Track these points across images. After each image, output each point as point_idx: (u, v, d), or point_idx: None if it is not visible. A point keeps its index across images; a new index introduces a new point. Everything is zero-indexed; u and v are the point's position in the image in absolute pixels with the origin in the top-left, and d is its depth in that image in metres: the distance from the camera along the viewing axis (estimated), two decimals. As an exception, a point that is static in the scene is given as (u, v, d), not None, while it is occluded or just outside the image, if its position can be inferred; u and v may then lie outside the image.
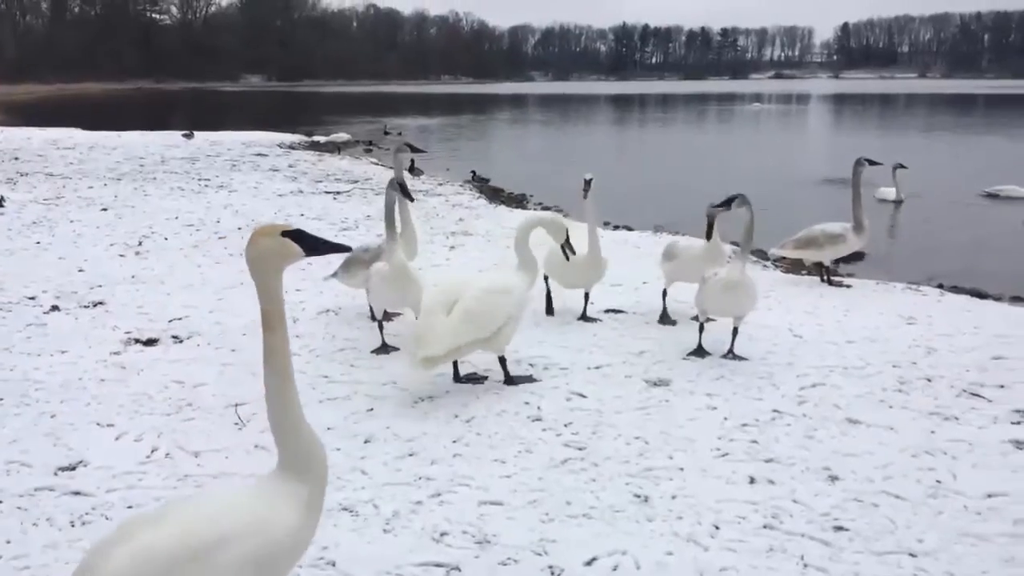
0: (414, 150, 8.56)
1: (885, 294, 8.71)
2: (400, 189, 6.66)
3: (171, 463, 4.73)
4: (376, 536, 3.98)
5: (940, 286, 9.35)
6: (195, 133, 28.27)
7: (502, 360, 5.94)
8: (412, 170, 19.28)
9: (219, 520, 2.67)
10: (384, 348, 6.64)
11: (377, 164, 21.95)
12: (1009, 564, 3.74)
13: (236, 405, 5.53)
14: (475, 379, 6.04)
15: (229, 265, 9.61)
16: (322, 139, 28.94)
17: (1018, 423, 5.27)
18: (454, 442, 5.01)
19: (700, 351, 6.61)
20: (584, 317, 7.59)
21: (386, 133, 35.11)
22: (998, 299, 8.99)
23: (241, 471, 4.62)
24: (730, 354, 6.50)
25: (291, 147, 26.57)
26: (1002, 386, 5.89)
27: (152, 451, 4.87)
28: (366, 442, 5.01)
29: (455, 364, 6.03)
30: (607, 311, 7.78)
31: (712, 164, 25.69)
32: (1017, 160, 25.10)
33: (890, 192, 15.92)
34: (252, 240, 2.81)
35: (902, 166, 15.62)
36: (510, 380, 5.97)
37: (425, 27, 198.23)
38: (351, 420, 5.32)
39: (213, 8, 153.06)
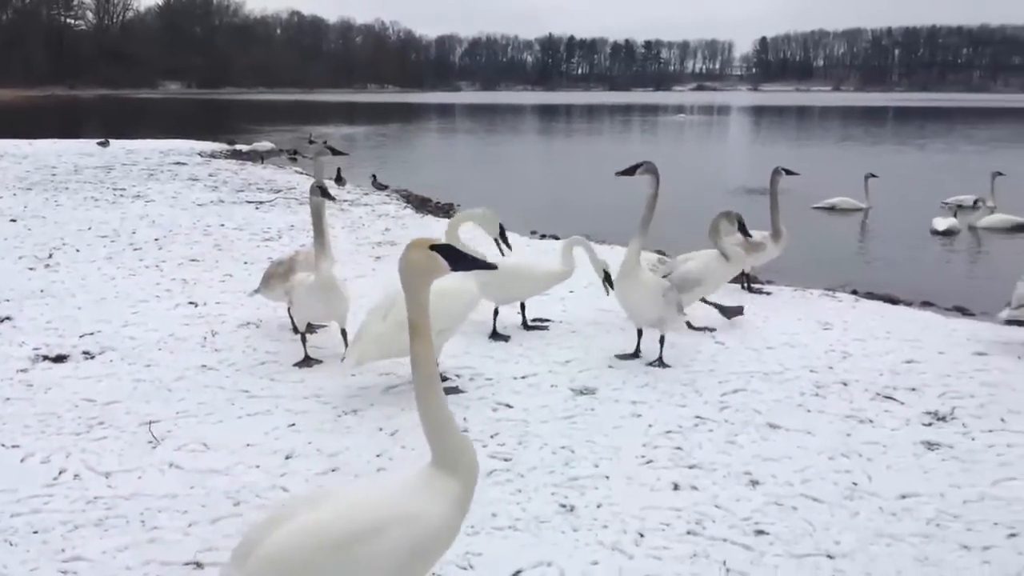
0: (335, 152, 8.43)
1: (803, 301, 8.93)
2: (321, 192, 6.49)
3: (80, 485, 4.53)
4: (296, 555, 3.87)
5: (855, 292, 9.63)
6: (111, 141, 27.41)
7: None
8: (338, 179, 19.04)
9: (378, 508, 2.82)
10: (307, 361, 6.50)
11: (301, 173, 21.60)
12: (923, 564, 3.84)
13: (150, 423, 5.33)
14: (453, 391, 5.97)
15: (145, 277, 9.31)
16: (244, 148, 28.39)
17: (929, 424, 5.44)
18: (378, 456, 4.93)
19: (633, 355, 6.75)
20: (525, 326, 7.59)
21: (311, 142, 34.52)
22: (909, 304, 9.31)
23: (155, 492, 4.46)
24: (657, 362, 6.56)
25: (212, 156, 25.98)
26: (913, 389, 6.08)
27: (60, 473, 4.67)
28: (287, 458, 4.88)
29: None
30: (534, 320, 7.78)
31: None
32: (922, 171, 26.12)
33: (860, 202, 16.90)
34: (405, 253, 2.94)
35: (873, 175, 16.97)
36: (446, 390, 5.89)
37: (351, 35, 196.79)
38: (271, 436, 5.18)
39: (130, 13, 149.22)
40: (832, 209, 17.06)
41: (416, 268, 2.92)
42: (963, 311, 9.19)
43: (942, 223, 14.64)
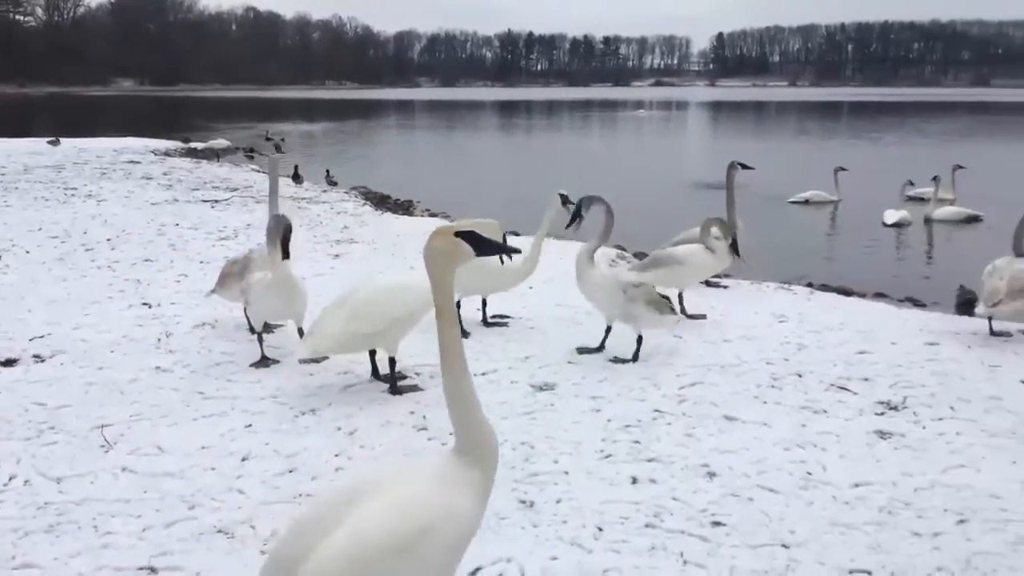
0: (278, 150, 8.33)
1: (759, 294, 9.04)
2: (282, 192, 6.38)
3: (30, 490, 4.44)
4: (253, 559, 3.82)
5: (810, 285, 9.77)
6: (62, 140, 26.87)
7: (391, 361, 5.87)
8: (295, 177, 18.85)
9: (420, 506, 2.75)
10: (264, 361, 6.43)
11: (258, 171, 21.33)
12: (875, 551, 3.91)
13: (102, 426, 5.24)
14: (412, 389, 5.98)
15: (97, 278, 9.14)
16: (199, 145, 28.03)
17: (881, 414, 5.53)
18: (336, 456, 4.89)
19: (596, 350, 6.79)
20: (485, 322, 7.59)
21: (267, 139, 34.23)
22: (862, 296, 9.49)
23: (107, 496, 4.38)
24: (631, 358, 6.57)
25: (166, 154, 25.60)
26: (866, 379, 6.18)
27: (9, 479, 4.57)
28: (243, 460, 4.82)
29: (373, 362, 6.07)
30: (493, 317, 7.77)
31: (600, 169, 26.14)
32: (887, 163, 26.58)
33: (831, 195, 17.32)
34: (429, 240, 2.94)
35: (842, 169, 17.40)
36: (394, 389, 5.89)
37: (308, 31, 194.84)
38: (227, 438, 5.12)
39: (81, 10, 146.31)
40: (806, 202, 17.30)
41: (441, 254, 2.93)
42: (915, 302, 9.38)
43: (892, 215, 14.92)
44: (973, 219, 15.22)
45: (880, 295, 9.63)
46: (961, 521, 4.16)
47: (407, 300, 5.72)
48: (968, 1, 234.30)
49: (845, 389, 5.99)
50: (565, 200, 7.38)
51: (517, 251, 3.17)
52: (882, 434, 5.21)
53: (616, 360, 6.56)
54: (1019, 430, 5.23)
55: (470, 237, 2.92)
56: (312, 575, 2.62)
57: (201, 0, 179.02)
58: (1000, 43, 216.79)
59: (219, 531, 4.06)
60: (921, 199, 16.62)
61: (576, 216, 6.84)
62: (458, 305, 7.45)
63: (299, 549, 2.69)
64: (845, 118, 62.69)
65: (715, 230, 7.95)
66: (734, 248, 7.93)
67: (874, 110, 72.35)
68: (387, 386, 5.93)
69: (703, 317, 7.85)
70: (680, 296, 7.99)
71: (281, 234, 6.11)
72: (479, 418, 2.95)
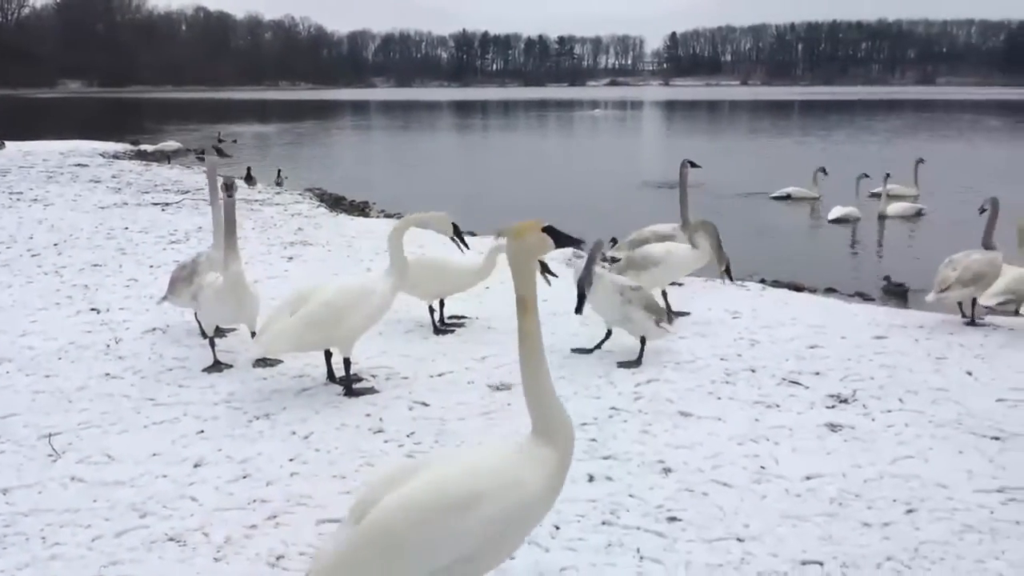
0: (220, 154, 8.20)
1: (713, 290, 9.13)
2: (225, 183, 6.21)
3: (-26, 504, 4.32)
4: (206, 566, 3.77)
5: (763, 281, 9.91)
6: (6, 143, 26.20)
7: (347, 363, 5.84)
8: (248, 179, 18.62)
9: (479, 476, 2.92)
10: (217, 366, 6.34)
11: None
12: (826, 542, 3.97)
13: (50, 435, 5.12)
14: (368, 391, 5.95)
15: (43, 284, 8.94)
16: (149, 148, 27.50)
17: (832, 407, 5.63)
18: (291, 460, 4.84)
19: (593, 350, 6.80)
20: (442, 323, 7.57)
21: (220, 141, 33.76)
22: (813, 291, 9.65)
23: (56, 507, 4.29)
24: (635, 361, 6.55)
25: (115, 156, 25.13)
26: (817, 373, 6.29)
27: (-48, 492, 4.44)
28: (196, 466, 4.75)
29: (328, 365, 6.04)
30: (451, 318, 7.75)
31: (555, 168, 26.25)
32: (824, 162, 27.05)
33: (812, 191, 17.49)
34: (516, 235, 3.06)
35: (824, 171, 17.57)
36: (349, 391, 5.85)
37: (260, 31, 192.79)
38: (179, 444, 5.04)
39: (26, 10, 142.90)
40: (788, 198, 17.48)
41: (529, 248, 3.07)
42: (864, 297, 9.55)
43: (837, 211, 15.21)
44: (920, 213, 15.57)
45: (831, 290, 9.80)
46: (909, 511, 4.25)
47: (364, 304, 5.71)
48: (914, 1, 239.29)
49: (797, 383, 6.08)
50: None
51: (582, 242, 3.37)
52: (833, 427, 5.30)
53: (624, 364, 6.52)
54: (965, 421, 5.36)
55: (551, 231, 3.08)
56: (369, 524, 2.87)
57: (150, 0, 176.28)
58: (944, 42, 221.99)
59: (171, 539, 4.00)
60: (884, 195, 17.02)
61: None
62: (431, 309, 7.46)
63: (371, 497, 2.95)
64: (796, 116, 63.67)
65: (701, 236, 7.76)
66: (728, 274, 7.85)
67: (824, 108, 73.61)
68: (342, 389, 5.89)
69: (687, 314, 7.87)
70: (664, 294, 7.94)
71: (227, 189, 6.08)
72: (554, 402, 3.10)
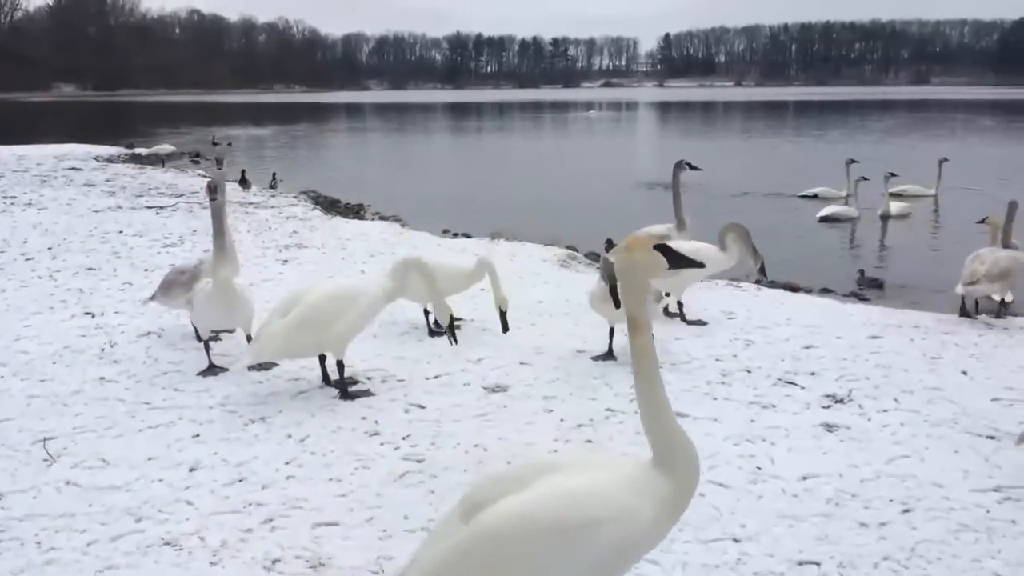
0: (211, 192, 8.19)
1: (708, 291, 9.13)
2: (211, 190, 6.26)
3: (-32, 509, 4.30)
4: (201, 570, 3.76)
5: (758, 282, 9.90)
6: (0, 147, 26.14)
7: (340, 366, 5.84)
8: (242, 182, 18.60)
9: (595, 501, 2.77)
10: (211, 369, 6.33)
11: (204, 176, 21.01)
12: (823, 542, 3.98)
13: (45, 440, 5.11)
14: (363, 394, 5.95)
15: (37, 288, 8.91)
16: (144, 151, 27.44)
17: (828, 407, 5.64)
18: (287, 463, 4.83)
19: (607, 355, 6.69)
20: (437, 325, 7.55)
21: (214, 144, 33.74)
22: (808, 291, 9.67)
23: (51, 512, 4.27)
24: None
25: (109, 160, 25.06)
26: (813, 373, 6.29)
27: (-54, 497, 4.42)
28: (191, 470, 4.74)
29: (323, 368, 6.02)
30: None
31: (550, 170, 26.25)
32: (818, 162, 27.09)
33: (841, 191, 17.20)
34: (627, 251, 2.96)
35: (854, 160, 17.17)
36: (345, 395, 5.85)
37: (254, 34, 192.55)
38: (175, 448, 5.02)
39: (19, 13, 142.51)
40: (815, 197, 17.41)
41: (637, 266, 2.94)
42: (859, 296, 9.58)
43: (826, 210, 15.27)
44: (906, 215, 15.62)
45: (826, 290, 9.82)
46: (906, 510, 4.26)
47: (354, 306, 5.71)
48: (907, 1, 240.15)
49: (792, 383, 6.09)
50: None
51: (702, 266, 3.13)
52: (828, 427, 5.31)
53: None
54: (960, 420, 5.37)
55: (664, 250, 2.95)
56: (478, 530, 2.79)
57: (144, 3, 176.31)
58: (937, 42, 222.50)
59: (167, 543, 3.99)
60: (911, 195, 17.18)
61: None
62: (426, 312, 7.45)
63: (485, 497, 2.87)
64: (791, 117, 63.77)
65: (730, 238, 7.69)
66: (763, 272, 7.83)
67: (818, 109, 73.76)
68: (338, 392, 5.89)
69: (703, 323, 7.76)
70: (679, 304, 7.88)
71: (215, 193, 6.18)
72: (675, 428, 2.90)
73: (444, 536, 2.90)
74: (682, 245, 7.82)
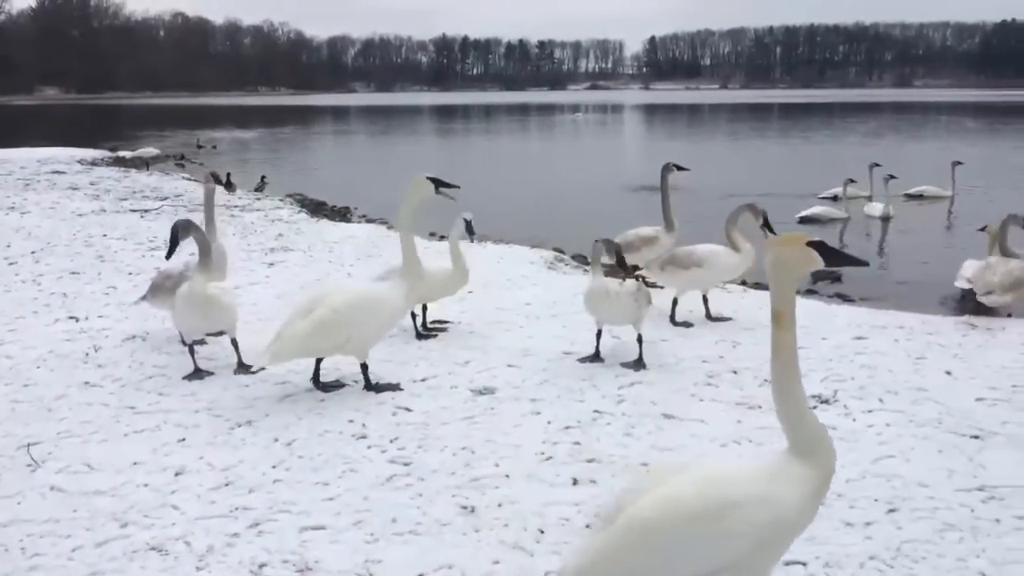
0: (217, 181, 8.23)
1: (694, 293, 9.14)
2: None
3: (-49, 515, 4.27)
4: (188, 575, 3.74)
5: (744, 283, 9.93)
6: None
7: (364, 367, 5.98)
8: (228, 185, 18.51)
9: (737, 486, 2.89)
10: (197, 373, 6.30)
11: (189, 179, 20.92)
12: (809, 542, 3.99)
13: (29, 445, 5.07)
14: (334, 386, 6.08)
15: (21, 292, 8.85)
16: (128, 154, 27.27)
17: (814, 408, 5.63)
18: (274, 467, 4.82)
19: (594, 357, 6.69)
20: (425, 328, 7.55)
21: (199, 147, 33.64)
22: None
23: (35, 517, 4.24)
24: (635, 363, 6.53)
25: (93, 163, 24.89)
26: (799, 374, 6.31)
27: (-71, 504, 4.38)
28: (177, 475, 4.72)
29: (316, 368, 6.05)
30: (433, 322, 7.74)
31: (537, 172, 26.29)
32: (806, 164, 27.24)
33: (864, 191, 16.98)
34: (777, 248, 2.98)
35: (877, 164, 16.89)
36: (370, 386, 5.97)
37: (239, 37, 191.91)
38: (160, 453, 5.00)
39: (2, 16, 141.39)
40: (835, 199, 17.40)
41: (792, 263, 2.96)
42: (843, 298, 9.62)
43: (807, 211, 15.36)
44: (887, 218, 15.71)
45: (811, 292, 9.86)
46: (891, 510, 4.28)
47: (376, 315, 5.83)
48: (890, 4, 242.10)
49: (779, 384, 6.10)
50: (469, 226, 7.39)
51: (866, 263, 3.13)
52: (815, 427, 5.32)
53: (633, 366, 6.49)
54: (945, 420, 5.40)
55: (820, 247, 2.95)
56: (624, 523, 2.90)
57: (128, 5, 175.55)
58: (920, 44, 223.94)
59: (152, 548, 3.97)
60: (921, 196, 17.33)
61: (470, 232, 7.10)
62: (413, 314, 7.44)
63: (628, 498, 2.99)
64: (776, 119, 64.08)
65: (745, 217, 7.78)
66: (767, 227, 7.74)
67: (803, 111, 74.11)
68: (323, 394, 5.91)
69: (728, 319, 7.88)
70: (705, 299, 7.97)
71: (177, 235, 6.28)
72: (812, 419, 3.01)
73: (586, 543, 3.04)
74: (698, 248, 7.85)
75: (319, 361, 6.07)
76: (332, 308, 5.70)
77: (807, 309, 8.45)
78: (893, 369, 6.41)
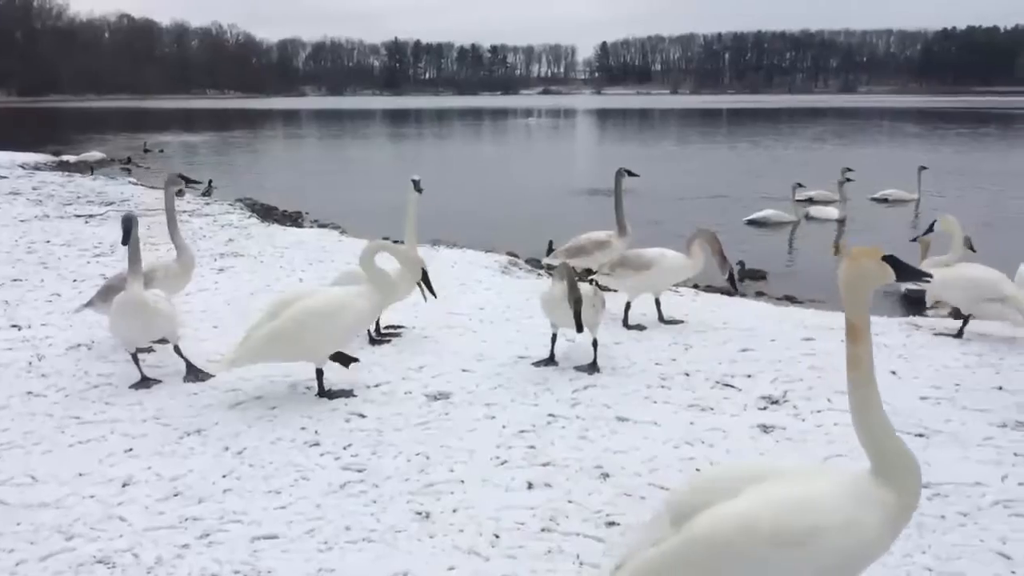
0: (188, 182, 8.11)
1: (647, 296, 9.22)
2: (127, 230, 6.19)
3: None
4: (136, 588, 3.67)
5: (695, 286, 10.07)
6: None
7: (319, 373, 5.94)
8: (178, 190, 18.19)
9: (816, 512, 2.76)
10: (144, 382, 6.16)
11: (136, 184, 20.53)
12: (760, 540, 4.04)
13: (-32, 458, 4.91)
14: (343, 394, 6.04)
15: (-40, 301, 8.58)
16: (72, 158, 26.72)
17: (764, 409, 5.75)
18: (224, 477, 4.73)
19: (548, 360, 6.69)
20: (379, 333, 7.49)
21: (146, 151, 33.06)
22: (743, 295, 9.85)
23: (-26, 532, 4.11)
24: (593, 366, 6.54)
25: (36, 168, 24.30)
26: (749, 375, 6.41)
27: None
28: (124, 486, 4.61)
29: (319, 376, 5.99)
30: (387, 327, 7.69)
31: (490, 176, 26.30)
32: (755, 168, 27.66)
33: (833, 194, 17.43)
34: (853, 260, 2.96)
35: (849, 169, 17.13)
36: (323, 393, 5.93)
37: (186, 39, 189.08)
38: (106, 463, 4.88)
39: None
40: (810, 200, 17.63)
41: (863, 274, 2.95)
42: (792, 300, 9.80)
43: (755, 214, 15.65)
44: (841, 221, 16.07)
45: (760, 294, 10.04)
46: (839, 507, 4.35)
47: (336, 321, 5.79)
48: (835, 12, 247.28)
49: (730, 386, 6.19)
50: (416, 185, 7.57)
51: (930, 277, 3.10)
52: (765, 428, 5.41)
53: (587, 369, 6.51)
54: (891, 419, 5.49)
55: (893, 262, 2.95)
56: (698, 529, 2.81)
57: (72, 6, 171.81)
58: (864, 51, 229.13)
59: (99, 561, 3.87)
60: (887, 199, 17.84)
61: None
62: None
63: (693, 504, 2.90)
64: (725, 124, 65.01)
65: (697, 245, 7.74)
66: (732, 282, 7.89)
67: (751, 116, 75.32)
68: (274, 401, 5.83)
69: (681, 322, 7.95)
70: (657, 302, 8.03)
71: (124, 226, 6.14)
72: (894, 437, 2.90)
73: (651, 541, 2.94)
74: (648, 251, 7.92)
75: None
76: (290, 317, 5.69)
77: (757, 311, 8.60)
78: (840, 369, 6.45)
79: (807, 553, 2.74)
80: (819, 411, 5.68)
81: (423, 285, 6.52)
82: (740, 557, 2.77)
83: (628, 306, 7.95)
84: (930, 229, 7.75)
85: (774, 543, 2.74)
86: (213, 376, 6.24)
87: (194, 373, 6.27)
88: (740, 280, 10.26)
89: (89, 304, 7.20)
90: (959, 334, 7.42)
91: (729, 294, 9.81)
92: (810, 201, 17.14)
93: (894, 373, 6.44)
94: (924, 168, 18.47)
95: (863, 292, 2.97)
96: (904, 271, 2.97)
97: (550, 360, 6.70)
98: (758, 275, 10.83)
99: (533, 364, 6.69)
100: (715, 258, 7.71)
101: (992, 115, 72.18)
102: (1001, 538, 4.04)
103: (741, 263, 10.42)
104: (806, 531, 2.74)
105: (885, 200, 18.28)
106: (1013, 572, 3.77)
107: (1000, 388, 6.12)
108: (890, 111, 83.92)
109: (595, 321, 6.53)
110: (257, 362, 5.90)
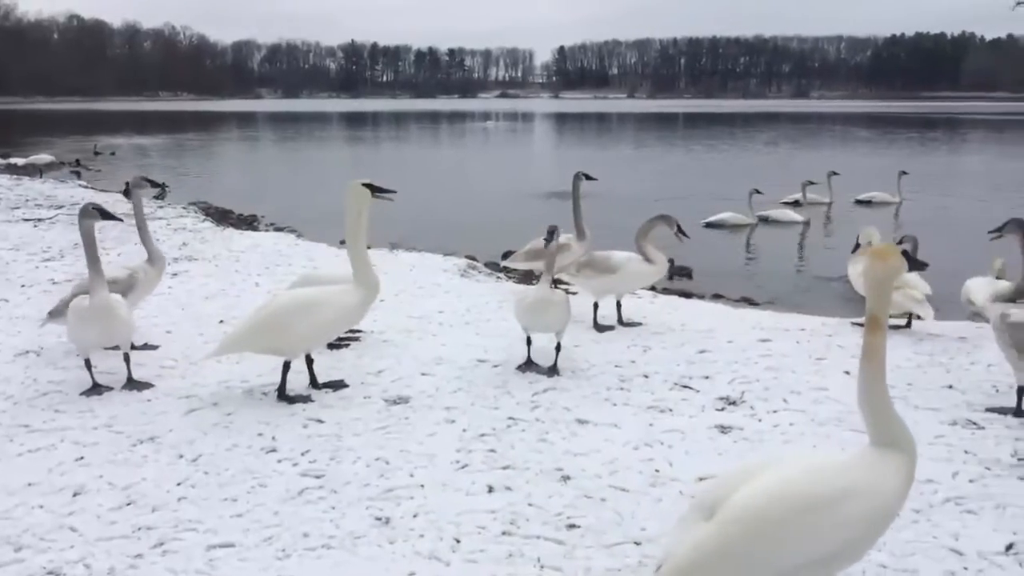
0: (153, 184, 7.98)
1: (607, 299, 9.26)
2: (101, 214, 6.19)
3: None
4: (87, 600, 3.58)
5: (653, 289, 10.11)
6: None
7: (285, 367, 5.93)
8: (126, 193, 17.80)
9: (842, 477, 3.03)
10: (96, 388, 6.02)
11: (87, 187, 20.12)
12: (719, 540, 4.08)
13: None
14: (338, 385, 6.20)
15: (-99, 307, 8.31)
16: (20, 161, 26.00)
17: (722, 410, 5.81)
18: (179, 485, 4.65)
19: (528, 364, 6.64)
20: (338, 338, 7.42)
21: (96, 153, 32.45)
22: (701, 297, 9.95)
23: (-83, 546, 3.98)
24: (553, 369, 6.54)
25: (-19, 170, 23.68)
26: (707, 377, 6.47)
27: None
28: (75, 495, 4.50)
29: (285, 371, 5.93)
30: (346, 331, 7.61)
31: (448, 180, 26.23)
32: (710, 172, 27.98)
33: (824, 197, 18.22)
34: (881, 258, 3.25)
35: (835, 173, 18.73)
36: (283, 395, 5.90)
37: (138, 40, 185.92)
38: (56, 472, 4.76)
39: None
40: (797, 203, 17.81)
41: (892, 270, 3.24)
42: (749, 301, 9.92)
43: (713, 217, 15.87)
44: (801, 222, 16.34)
45: (717, 296, 10.13)
46: (796, 506, 4.40)
47: (314, 316, 5.80)
48: (788, 18, 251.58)
49: (688, 387, 6.24)
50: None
51: (925, 265, 3.65)
52: (723, 428, 5.46)
53: (547, 372, 6.51)
54: (845, 418, 5.60)
55: (906, 256, 3.34)
56: (731, 513, 2.96)
57: (20, 6, 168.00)
58: (816, 57, 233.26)
59: (49, 573, 3.78)
60: (870, 201, 18.59)
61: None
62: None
63: (718, 496, 3.06)
64: (681, 128, 65.68)
65: (658, 229, 7.98)
66: (681, 232, 8.04)
67: (707, 121, 76.18)
68: (230, 407, 5.73)
69: (639, 324, 8.02)
70: (618, 304, 8.08)
71: (96, 215, 6.19)
72: (893, 413, 3.20)
73: (686, 537, 3.05)
74: (614, 255, 7.97)
75: (310, 362, 6.13)
76: (270, 311, 5.84)
77: (714, 313, 8.69)
78: (796, 370, 6.63)
79: (842, 516, 2.93)
80: (775, 411, 5.76)
81: (380, 194, 6.61)
82: (781, 526, 2.93)
83: (596, 307, 7.99)
84: (857, 245, 8.10)
85: (811, 508, 2.93)
86: (153, 387, 6.12)
87: (134, 384, 6.13)
88: (669, 277, 10.35)
89: (55, 315, 6.89)
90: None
91: (686, 295, 9.90)
92: (796, 204, 17.46)
93: (848, 373, 6.54)
94: (905, 173, 19.14)
95: (889, 286, 3.27)
96: (913, 263, 3.45)
97: (528, 363, 6.67)
98: (685, 272, 11.28)
99: (517, 368, 6.62)
100: (666, 225, 7.99)
101: (939, 120, 73.99)
102: (953, 534, 4.13)
103: (671, 260, 10.53)
104: (839, 494, 2.96)
105: (869, 202, 18.84)
106: (966, 568, 3.85)
107: (950, 387, 6.26)
108: (842, 116, 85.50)
109: (565, 325, 6.54)
110: (242, 351, 6.09)
